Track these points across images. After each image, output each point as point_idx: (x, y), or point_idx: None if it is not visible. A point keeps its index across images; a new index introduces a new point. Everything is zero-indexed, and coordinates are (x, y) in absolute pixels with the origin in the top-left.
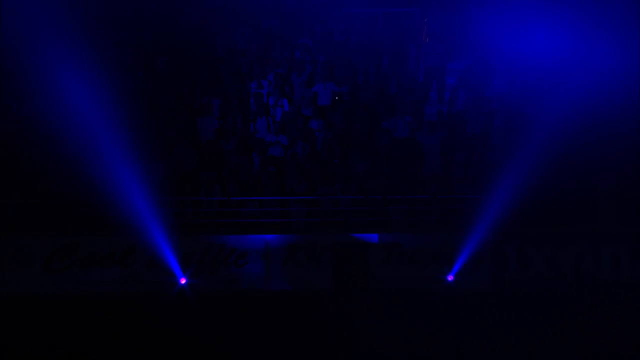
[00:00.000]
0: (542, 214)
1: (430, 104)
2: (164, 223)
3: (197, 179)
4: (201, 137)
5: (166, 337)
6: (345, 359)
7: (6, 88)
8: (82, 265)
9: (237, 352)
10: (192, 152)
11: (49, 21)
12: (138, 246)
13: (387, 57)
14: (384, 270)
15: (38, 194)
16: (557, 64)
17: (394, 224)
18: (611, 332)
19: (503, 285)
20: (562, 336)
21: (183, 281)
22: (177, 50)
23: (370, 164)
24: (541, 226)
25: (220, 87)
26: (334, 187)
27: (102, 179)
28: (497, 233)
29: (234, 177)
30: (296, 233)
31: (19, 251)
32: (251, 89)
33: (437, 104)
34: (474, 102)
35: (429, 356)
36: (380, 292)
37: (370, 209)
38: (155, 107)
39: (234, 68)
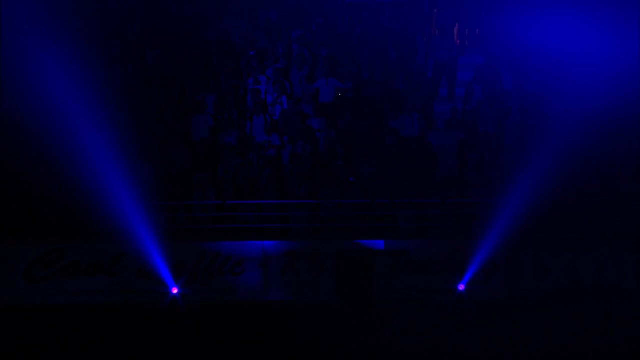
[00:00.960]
0: (560, 219)
1: (440, 101)
2: (154, 229)
3: (190, 181)
4: (194, 136)
5: (156, 352)
6: None
7: None
8: (66, 275)
9: None
10: (184, 152)
11: (33, 12)
12: (127, 254)
13: (394, 51)
14: (391, 279)
15: (19, 198)
16: (577, 59)
17: (402, 230)
18: (635, 344)
19: (519, 295)
20: (582, 349)
21: (175, 291)
22: (169, 43)
23: (376, 165)
24: (559, 232)
25: (215, 83)
26: (336, 190)
27: (88, 181)
28: (512, 239)
29: (230, 179)
30: (296, 239)
31: None
32: (248, 85)
33: (447, 101)
34: (487, 99)
35: None
36: (386, 303)
37: (376, 213)
38: (146, 104)
39: (230, 62)
